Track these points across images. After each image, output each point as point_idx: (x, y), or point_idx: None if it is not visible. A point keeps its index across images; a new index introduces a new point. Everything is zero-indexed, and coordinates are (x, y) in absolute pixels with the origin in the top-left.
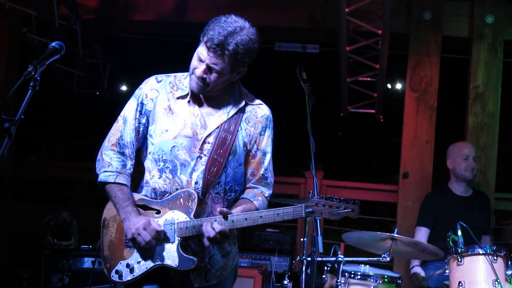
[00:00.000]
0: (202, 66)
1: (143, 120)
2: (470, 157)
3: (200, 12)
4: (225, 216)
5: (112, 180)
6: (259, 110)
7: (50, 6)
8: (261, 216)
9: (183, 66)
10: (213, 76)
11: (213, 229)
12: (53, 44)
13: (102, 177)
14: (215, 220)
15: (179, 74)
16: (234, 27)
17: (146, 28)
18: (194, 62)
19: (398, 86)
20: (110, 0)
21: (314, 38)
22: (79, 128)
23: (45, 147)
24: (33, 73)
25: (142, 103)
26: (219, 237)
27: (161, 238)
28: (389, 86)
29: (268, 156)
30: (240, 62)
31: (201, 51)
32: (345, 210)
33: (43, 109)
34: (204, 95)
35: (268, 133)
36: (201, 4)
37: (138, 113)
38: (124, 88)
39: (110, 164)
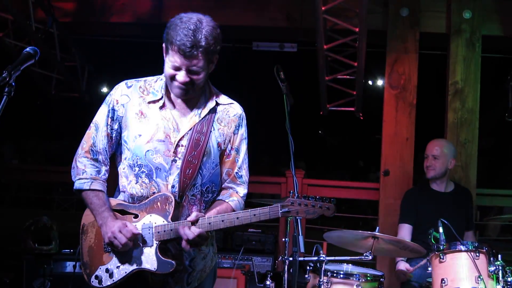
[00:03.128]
0: (182, 72)
1: (115, 126)
2: (429, 156)
3: (176, 13)
4: (194, 222)
5: (87, 187)
6: (231, 109)
7: (27, 10)
8: (237, 217)
9: (161, 67)
10: (195, 76)
11: (192, 232)
12: (27, 49)
13: (77, 184)
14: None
15: (149, 78)
16: (194, 23)
17: (123, 30)
18: (170, 70)
19: (379, 82)
20: (86, 3)
21: (291, 37)
22: (60, 131)
23: (26, 151)
24: (7, 79)
25: (113, 109)
26: (198, 239)
27: (138, 240)
28: (370, 83)
29: (242, 155)
30: (212, 52)
31: (175, 59)
32: (321, 209)
33: (23, 113)
34: (187, 98)
35: (242, 132)
36: (176, 5)
37: (109, 119)
38: (104, 90)
39: (84, 171)
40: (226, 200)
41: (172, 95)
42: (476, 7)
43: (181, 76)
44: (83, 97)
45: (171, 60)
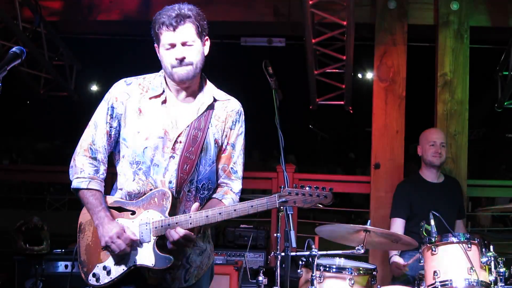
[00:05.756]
0: (178, 48)
1: (115, 124)
2: (437, 142)
3: None
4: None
5: (85, 186)
6: (229, 105)
7: (13, 9)
8: (235, 210)
9: (150, 63)
10: (190, 50)
11: (177, 233)
12: (13, 49)
13: (75, 183)
14: (190, 217)
15: (148, 76)
16: (175, 5)
17: (111, 28)
18: (168, 55)
19: (369, 75)
20: (73, 2)
21: (279, 31)
22: (49, 131)
23: (16, 151)
24: None
25: (112, 107)
26: (183, 241)
27: (136, 244)
28: (359, 76)
29: (238, 150)
30: (201, 26)
31: (167, 37)
32: (318, 198)
33: (12, 113)
34: (191, 80)
35: (238, 127)
36: (164, 2)
37: (109, 117)
38: (94, 88)
39: (82, 170)
40: (220, 198)
41: (171, 92)
42: None
43: (178, 51)
44: (72, 96)
45: (164, 43)
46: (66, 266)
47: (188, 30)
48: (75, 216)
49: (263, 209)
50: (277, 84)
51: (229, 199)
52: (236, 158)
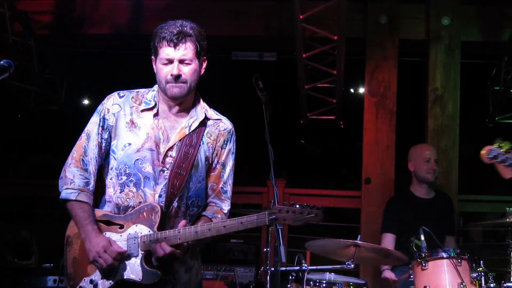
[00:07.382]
0: (174, 64)
1: (106, 136)
2: (432, 159)
3: (155, 24)
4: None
5: (74, 198)
6: (221, 124)
7: (4, 22)
8: (224, 226)
9: (140, 77)
10: (187, 68)
11: (163, 249)
12: (1, 62)
13: (63, 194)
14: (178, 232)
15: (142, 90)
16: (178, 22)
17: (102, 41)
18: (163, 69)
19: (361, 90)
20: (64, 15)
21: (270, 46)
22: (41, 145)
23: (7, 165)
24: None
25: (104, 118)
26: (168, 258)
27: (124, 258)
28: (352, 90)
29: (228, 170)
30: (201, 46)
31: (165, 52)
32: (309, 216)
33: (2, 127)
34: (183, 97)
35: (230, 147)
36: (155, 16)
37: (100, 129)
38: (86, 102)
39: (72, 181)
40: (210, 217)
41: (164, 106)
42: (455, 13)
43: (174, 68)
44: (63, 110)
45: (162, 57)
46: (55, 281)
47: (187, 49)
48: (65, 230)
49: (252, 226)
50: (267, 99)
51: (218, 219)
52: (226, 178)
